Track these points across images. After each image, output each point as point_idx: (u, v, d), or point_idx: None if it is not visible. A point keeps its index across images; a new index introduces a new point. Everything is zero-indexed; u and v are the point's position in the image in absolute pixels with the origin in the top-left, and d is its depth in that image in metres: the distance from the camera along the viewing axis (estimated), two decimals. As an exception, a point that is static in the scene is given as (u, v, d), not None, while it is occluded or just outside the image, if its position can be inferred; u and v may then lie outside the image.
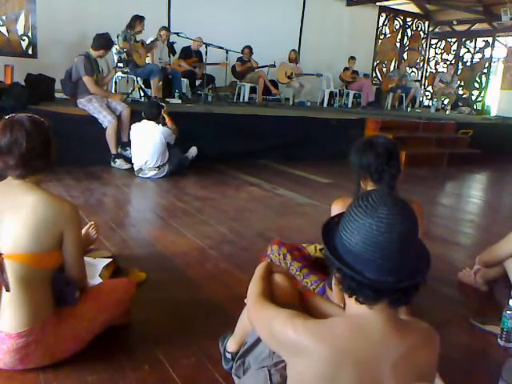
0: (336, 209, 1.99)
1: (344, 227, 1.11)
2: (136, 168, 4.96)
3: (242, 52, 8.23)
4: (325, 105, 9.40)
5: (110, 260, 2.45)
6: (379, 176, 2.00)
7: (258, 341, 1.53)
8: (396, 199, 1.11)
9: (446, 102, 11.54)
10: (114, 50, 6.07)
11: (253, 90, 8.42)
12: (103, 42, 5.21)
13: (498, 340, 2.15)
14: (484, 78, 12.60)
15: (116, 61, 5.99)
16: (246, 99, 8.28)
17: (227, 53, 7.42)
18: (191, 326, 2.09)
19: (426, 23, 13.09)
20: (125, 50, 6.15)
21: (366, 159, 2.02)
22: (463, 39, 13.14)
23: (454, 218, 4.72)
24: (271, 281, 1.57)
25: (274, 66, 8.39)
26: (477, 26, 13.02)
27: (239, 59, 8.31)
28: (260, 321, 1.32)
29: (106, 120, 5.10)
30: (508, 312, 2.12)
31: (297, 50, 9.47)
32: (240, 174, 5.43)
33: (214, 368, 1.78)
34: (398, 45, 12.41)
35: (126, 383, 1.67)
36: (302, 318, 1.16)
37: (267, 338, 1.26)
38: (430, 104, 11.69)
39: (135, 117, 5.17)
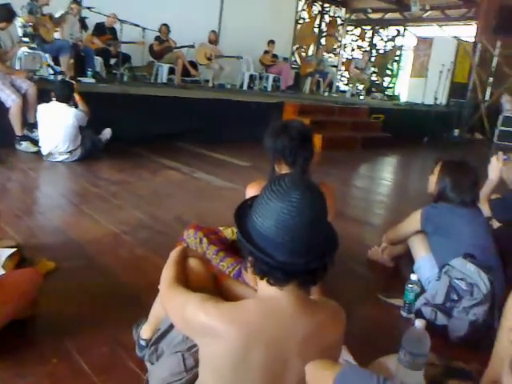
0: (251, 192, 2.00)
1: (256, 211, 1.12)
2: (44, 152, 4.66)
3: (159, 30, 7.98)
4: (245, 87, 9.41)
5: (14, 250, 2.29)
6: (293, 159, 2.04)
7: (171, 326, 1.51)
8: (307, 184, 1.14)
9: (360, 87, 12.02)
10: (18, 23, 5.62)
11: (171, 71, 8.23)
12: (4, 13, 4.81)
13: (402, 312, 2.31)
14: (395, 66, 13.26)
15: (21, 35, 5.56)
16: (165, 80, 8.07)
17: (144, 31, 7.16)
18: (104, 315, 2.02)
19: (343, 10, 13.49)
20: (30, 24, 5.72)
21: (280, 143, 2.05)
22: (377, 27, 13.71)
23: (367, 199, 4.96)
24: (185, 265, 1.55)
25: (193, 46, 8.24)
26: (389, 15, 13.66)
27: (157, 38, 8.05)
28: (172, 306, 1.30)
29: (10, 99, 4.73)
30: (410, 285, 2.28)
31: (217, 31, 9.36)
32: (158, 158, 5.30)
33: (128, 356, 1.74)
34: (316, 30, 12.68)
35: (35, 379, 1.59)
36: (213, 301, 1.16)
37: (179, 322, 1.26)
38: (346, 89, 12.12)
39: (43, 96, 4.84)
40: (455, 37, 11.39)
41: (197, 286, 1.39)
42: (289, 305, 1.14)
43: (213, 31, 8.97)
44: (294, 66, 11.51)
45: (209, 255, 2.31)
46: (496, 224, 3.03)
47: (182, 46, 8.16)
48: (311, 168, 2.14)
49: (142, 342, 1.72)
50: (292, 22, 11.73)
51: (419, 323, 1.62)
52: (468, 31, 12.14)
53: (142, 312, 1.82)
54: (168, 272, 1.45)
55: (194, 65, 8.62)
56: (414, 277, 2.29)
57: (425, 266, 2.43)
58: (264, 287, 1.15)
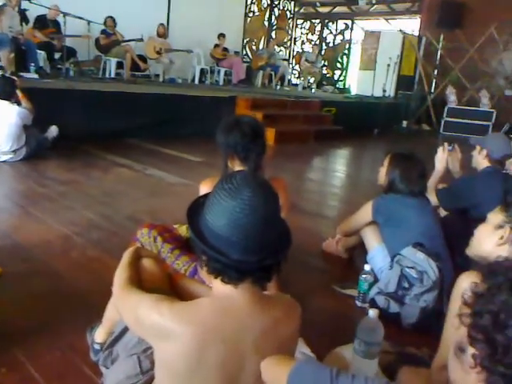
0: (204, 189, 1.98)
1: (209, 210, 1.12)
2: (-14, 152, 4.44)
3: (105, 23, 7.75)
4: (196, 82, 9.32)
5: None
6: (246, 155, 2.04)
7: (125, 329, 1.49)
8: (258, 181, 1.14)
9: (312, 80, 12.15)
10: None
11: (120, 65, 8.03)
12: None
13: (356, 302, 2.36)
14: (345, 59, 13.50)
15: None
16: (113, 75, 7.87)
17: (89, 24, 6.94)
18: (55, 320, 1.95)
19: (292, 3, 13.58)
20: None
21: (232, 139, 2.04)
22: (326, 21, 13.89)
23: (321, 191, 5.04)
24: (139, 266, 1.52)
25: (141, 40, 8.05)
26: (338, 9, 13.86)
27: (103, 32, 7.82)
28: (126, 308, 1.28)
29: None
30: (363, 276, 2.33)
31: (165, 24, 9.20)
32: (108, 155, 5.16)
33: (82, 361, 1.70)
34: (266, 23, 12.70)
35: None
36: (168, 301, 1.15)
37: (133, 324, 1.24)
38: (298, 82, 12.23)
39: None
40: (401, 30, 11.71)
41: (151, 287, 1.37)
42: (244, 302, 1.14)
43: (161, 24, 8.81)
44: (245, 59, 11.50)
45: (163, 254, 2.27)
46: (443, 213, 3.15)
47: (129, 40, 7.96)
48: (264, 162, 2.14)
49: (97, 346, 1.68)
50: (242, 16, 11.70)
51: (372, 313, 1.66)
52: (413, 25, 12.52)
53: (95, 315, 1.77)
54: (121, 273, 1.42)
55: (143, 59, 8.45)
56: (367, 267, 2.35)
57: (377, 256, 2.49)
58: (218, 286, 1.15)
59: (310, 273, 2.76)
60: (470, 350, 0.83)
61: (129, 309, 1.24)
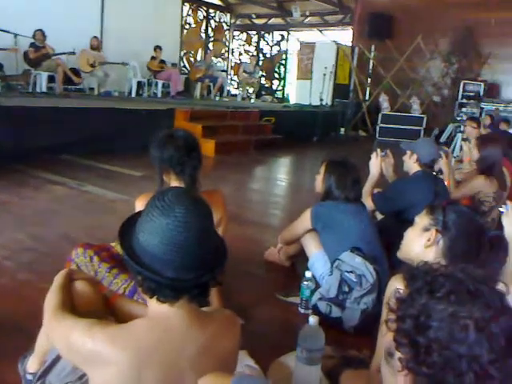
0: (140, 206, 1.94)
1: (141, 228, 1.10)
2: None
3: (34, 36, 7.46)
4: (133, 95, 9.14)
5: None
6: (181, 169, 2.02)
7: (58, 357, 1.42)
8: (191, 197, 1.14)
9: (250, 90, 12.27)
10: None
11: (51, 79, 7.73)
12: None
13: (299, 309, 2.38)
14: (282, 69, 13.75)
15: None
16: (44, 89, 7.55)
17: (16, 37, 6.65)
18: (-17, 351, 1.83)
19: (228, 15, 13.70)
20: None
21: (166, 153, 2.02)
22: (262, 32, 14.11)
23: (263, 200, 5.07)
24: (71, 289, 1.46)
25: (73, 53, 7.81)
26: (273, 21, 14.13)
27: (32, 45, 7.50)
28: (58, 335, 1.23)
29: None
30: (305, 282, 2.36)
31: (99, 36, 8.99)
32: (41, 173, 4.92)
33: (12, 394, 1.59)
34: (203, 35, 12.73)
35: None
36: (101, 325, 1.12)
37: (66, 352, 1.19)
38: (237, 93, 12.31)
39: None
40: (334, 41, 12.10)
41: (85, 311, 1.33)
42: (180, 321, 1.12)
43: (94, 37, 8.60)
44: (183, 71, 11.44)
45: (101, 274, 2.19)
46: (380, 216, 3.26)
47: (61, 53, 7.69)
48: (205, 174, 2.13)
49: (29, 376, 1.58)
50: (178, 27, 11.64)
51: (312, 320, 1.69)
52: (346, 36, 12.97)
53: (27, 343, 1.67)
54: (52, 298, 1.36)
55: (76, 72, 8.19)
56: (308, 274, 2.38)
57: (318, 262, 2.53)
58: (154, 305, 1.13)
59: (253, 282, 2.76)
60: (397, 354, 0.86)
61: (60, 336, 1.20)
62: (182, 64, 11.90)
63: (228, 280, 2.49)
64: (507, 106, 9.34)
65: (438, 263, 0.99)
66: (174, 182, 2.06)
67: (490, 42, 10.31)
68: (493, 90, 10.63)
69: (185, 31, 12.04)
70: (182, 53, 12.00)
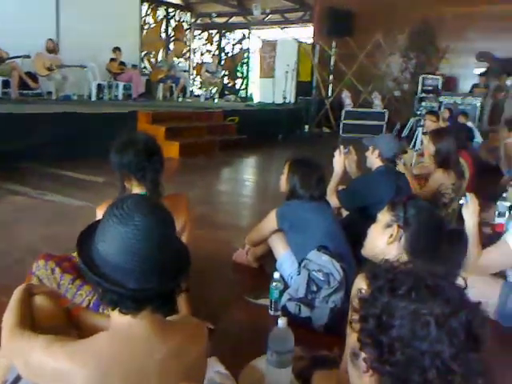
0: (101, 214, 1.88)
1: (100, 237, 1.07)
2: None
3: (-16, 41, 7.22)
4: (93, 98, 8.94)
5: None
6: (142, 174, 1.98)
7: (19, 377, 1.36)
8: (151, 204, 1.12)
9: (214, 90, 12.22)
10: None
11: (6, 84, 7.48)
12: None
13: (269, 310, 2.38)
14: (245, 68, 13.74)
15: None
16: (-2, 94, 7.32)
17: (-35, 42, 6.40)
18: None
19: (188, 14, 13.58)
20: None
21: (126, 158, 1.97)
22: (223, 31, 14.07)
23: (231, 202, 5.04)
24: (31, 304, 1.41)
25: (28, 56, 7.58)
26: (234, 19, 14.11)
27: (-16, 49, 7.26)
28: (16, 354, 1.19)
29: None
30: (274, 284, 2.35)
31: (55, 39, 8.75)
32: (-1, 182, 4.77)
33: (-27, 418, 1.52)
34: (163, 35, 12.58)
35: None
36: (61, 342, 1.09)
37: (26, 370, 1.15)
38: (200, 93, 12.23)
39: None
40: (296, 39, 12.18)
41: (46, 326, 1.29)
42: (144, 332, 1.10)
43: (50, 39, 8.36)
44: (144, 72, 11.27)
45: (64, 286, 2.13)
46: (345, 213, 3.29)
47: (15, 57, 7.46)
48: (170, 177, 2.09)
49: (-10, 398, 1.52)
50: (137, 28, 11.44)
51: (281, 322, 1.68)
52: (307, 33, 13.08)
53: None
54: (9, 315, 1.31)
55: (32, 76, 7.95)
56: (276, 275, 2.37)
57: (286, 262, 2.53)
58: (116, 317, 1.10)
59: (222, 285, 2.74)
60: (362, 355, 0.86)
61: (19, 354, 1.16)
62: (142, 65, 11.73)
63: (197, 284, 2.47)
64: (465, 98, 9.61)
65: (398, 261, 1.00)
66: (136, 188, 2.02)
67: (447, 37, 10.59)
68: (451, 84, 10.93)
69: (144, 31, 11.86)
70: (143, 54, 11.83)
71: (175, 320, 1.28)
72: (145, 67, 11.85)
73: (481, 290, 2.31)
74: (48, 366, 1.04)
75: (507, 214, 3.15)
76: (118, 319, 1.09)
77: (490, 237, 2.93)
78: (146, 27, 11.97)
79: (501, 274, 2.46)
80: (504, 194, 3.03)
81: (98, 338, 1.10)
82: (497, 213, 3.28)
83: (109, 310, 1.12)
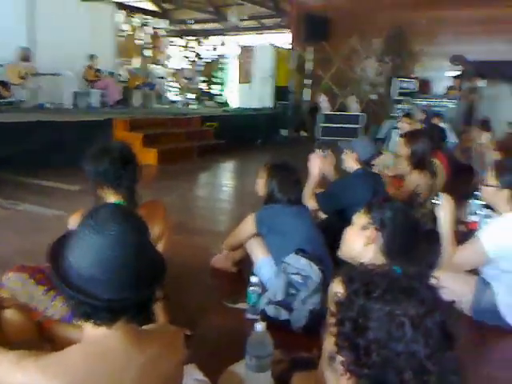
0: (73, 224, 1.86)
1: (74, 248, 1.05)
2: None
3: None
4: (69, 106, 8.82)
5: None
6: (118, 182, 1.96)
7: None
8: (125, 213, 1.10)
9: (191, 96, 12.19)
10: None
11: (-22, 94, 7.34)
12: None
13: (247, 315, 2.37)
14: (223, 74, 13.75)
15: None
16: (-29, 104, 7.17)
17: None
18: None
19: (165, 21, 13.54)
20: None
21: (101, 167, 1.95)
22: (200, 37, 14.06)
23: (209, 207, 5.02)
24: (1, 318, 1.37)
25: (0, 65, 7.45)
26: (210, 26, 14.11)
27: (-45, 58, 7.12)
28: None
29: None
30: (251, 288, 2.35)
31: (28, 47, 8.60)
32: (-32, 194, 4.64)
33: None
34: (139, 42, 12.50)
35: None
36: (32, 356, 1.05)
37: None
38: (177, 99, 12.19)
39: None
40: (272, 44, 12.23)
41: (17, 341, 1.26)
42: (118, 343, 1.07)
43: (23, 48, 8.23)
44: (120, 79, 11.17)
45: (37, 297, 2.09)
46: (323, 216, 3.30)
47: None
48: (148, 184, 2.08)
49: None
50: (112, 35, 11.31)
51: (259, 326, 1.68)
52: (284, 38, 13.15)
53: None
54: (-23, 330, 1.27)
55: (5, 85, 7.81)
56: (254, 279, 2.37)
57: (264, 266, 2.53)
58: (90, 329, 1.08)
59: (200, 291, 2.72)
60: (339, 358, 0.86)
61: None
62: (119, 72, 11.62)
63: (174, 290, 2.45)
64: (438, 101, 9.77)
65: (374, 264, 1.00)
66: (111, 197, 1.99)
67: (421, 41, 10.78)
68: (425, 87, 11.11)
69: (120, 39, 11.76)
70: (119, 61, 11.72)
71: (151, 329, 1.26)
72: (121, 74, 11.75)
73: (456, 287, 2.35)
74: (18, 382, 1.01)
75: (480, 212, 3.21)
76: (91, 331, 1.07)
77: (464, 235, 2.98)
78: (122, 35, 11.87)
79: (475, 271, 2.50)
80: (477, 193, 3.08)
81: (71, 350, 1.07)
82: (470, 211, 3.34)
83: (82, 321, 1.09)
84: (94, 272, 1.01)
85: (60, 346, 1.21)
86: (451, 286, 2.24)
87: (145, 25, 12.63)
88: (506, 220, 2.34)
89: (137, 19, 12.50)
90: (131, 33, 12.20)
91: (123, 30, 11.94)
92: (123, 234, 1.03)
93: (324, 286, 2.24)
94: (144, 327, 1.21)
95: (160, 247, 2.12)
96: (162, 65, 13.38)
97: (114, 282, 1.02)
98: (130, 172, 2.00)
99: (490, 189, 2.40)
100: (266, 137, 9.72)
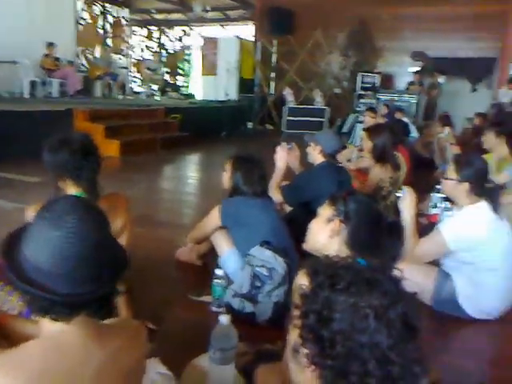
0: (30, 216, 1.79)
1: (29, 241, 1.00)
2: None
3: None
4: (26, 95, 8.51)
5: None
6: (78, 173, 1.90)
7: None
8: (84, 205, 1.06)
9: (155, 88, 11.98)
10: None
11: None
12: None
13: (212, 307, 2.35)
14: (187, 65, 13.58)
15: None
16: None
17: None
18: None
19: (126, 10, 13.23)
20: None
21: (60, 158, 1.90)
22: (163, 27, 13.83)
23: (174, 200, 4.96)
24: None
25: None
26: (174, 16, 13.90)
27: None
28: None
29: None
30: (216, 280, 2.34)
31: (-18, 34, 8.23)
32: None
33: None
34: (100, 31, 12.18)
35: None
36: None
37: None
38: (141, 91, 11.97)
39: None
40: (237, 36, 12.16)
41: (-30, 338, 1.19)
42: (77, 339, 1.04)
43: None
44: (81, 69, 10.86)
45: (-8, 293, 2.01)
46: (288, 208, 3.32)
47: None
48: (110, 176, 2.03)
49: None
50: (72, 23, 10.95)
51: (223, 319, 1.66)
52: (248, 30, 13.10)
53: None
54: None
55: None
56: (219, 272, 2.36)
57: (229, 259, 2.51)
58: (47, 324, 1.04)
59: (164, 284, 2.69)
60: (303, 351, 0.86)
61: None
62: (79, 61, 11.29)
63: (138, 284, 2.41)
64: (401, 95, 9.98)
65: (338, 256, 1.01)
66: (71, 189, 1.93)
67: (384, 36, 10.97)
68: (388, 81, 11.33)
69: (80, 27, 11.41)
70: (79, 50, 11.38)
71: (113, 324, 1.22)
72: (82, 64, 11.42)
73: (417, 279, 2.41)
74: None
75: (441, 205, 3.30)
76: (49, 326, 1.03)
77: (425, 227, 3.05)
78: (82, 23, 11.52)
79: (436, 263, 2.56)
80: (438, 187, 3.16)
81: (27, 346, 1.03)
82: (431, 204, 3.43)
83: (39, 317, 1.05)
84: (51, 266, 0.97)
85: (17, 342, 1.16)
86: (413, 277, 2.30)
87: (106, 13, 12.29)
88: (465, 213, 2.41)
89: (97, 7, 12.15)
90: (91, 21, 11.84)
91: (83, 18, 11.59)
92: (82, 227, 1.00)
93: (289, 278, 2.25)
94: (105, 322, 1.18)
95: (122, 240, 2.07)
96: (125, 55, 13.09)
97: (72, 276, 0.98)
98: (91, 163, 1.95)
99: (450, 182, 2.46)
100: (231, 129, 9.68)
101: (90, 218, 1.03)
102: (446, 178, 2.49)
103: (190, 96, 12.65)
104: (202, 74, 12.51)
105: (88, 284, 1.01)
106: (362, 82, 10.90)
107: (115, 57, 12.08)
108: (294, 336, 0.90)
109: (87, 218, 1.02)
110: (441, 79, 9.93)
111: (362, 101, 10.14)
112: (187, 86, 13.74)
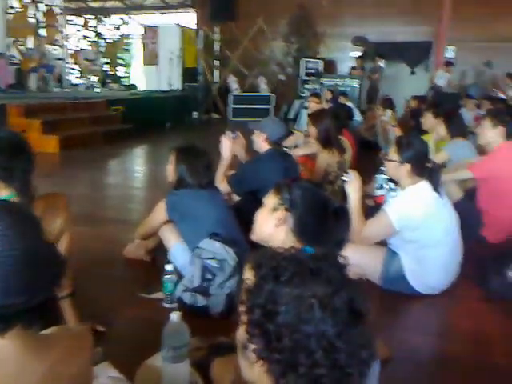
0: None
1: None
2: None
3: None
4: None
5: None
6: (8, 174, 1.78)
7: None
8: (14, 210, 0.99)
9: (94, 79, 11.57)
10: None
11: None
12: None
13: (164, 304, 2.30)
14: (127, 55, 13.19)
15: None
16: None
17: None
18: None
19: (59, -2, 12.63)
20: None
21: (-14, 158, 1.76)
22: (100, 16, 13.34)
23: (120, 195, 4.81)
24: None
25: None
26: (111, 3, 13.42)
27: None
28: None
29: None
30: (166, 276, 2.28)
31: None
32: None
33: None
34: (32, 20, 11.55)
35: None
36: None
37: None
38: (79, 82, 11.52)
39: None
40: (178, 24, 11.92)
41: None
42: (15, 353, 0.97)
43: None
44: (13, 61, 10.28)
45: None
46: (236, 198, 3.29)
47: None
48: (49, 173, 1.91)
49: None
50: (0, 12, 10.35)
51: (174, 316, 1.63)
52: (190, 18, 12.86)
53: None
54: None
55: None
56: (168, 267, 2.30)
57: (178, 253, 2.46)
58: None
59: (113, 284, 2.60)
60: (251, 346, 0.84)
61: None
62: (10, 53, 10.68)
63: (86, 286, 2.31)
64: (344, 80, 10.15)
65: (282, 247, 0.99)
66: (2, 191, 1.81)
67: (324, 22, 11.07)
68: (331, 67, 11.49)
69: (9, 16, 10.77)
70: (10, 41, 10.76)
71: (52, 333, 1.16)
72: (13, 56, 10.82)
73: (364, 261, 2.46)
74: None
75: (386, 186, 3.38)
76: None
77: (372, 208, 3.11)
78: (11, 12, 10.88)
79: (384, 243, 2.63)
80: (382, 168, 3.23)
81: None
82: (377, 185, 3.51)
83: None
84: None
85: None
86: (360, 260, 2.36)
87: (37, 1, 11.65)
88: (408, 193, 2.47)
89: (28, -5, 11.51)
90: (21, 10, 11.20)
91: (13, 7, 10.94)
92: (11, 234, 0.93)
93: (240, 268, 2.23)
94: (45, 331, 1.11)
95: (62, 243, 1.98)
96: (60, 45, 12.51)
97: (2, 286, 0.92)
98: (23, 162, 1.82)
99: (392, 163, 2.51)
100: (175, 120, 9.51)
101: (20, 224, 0.96)
102: (389, 160, 2.54)
103: (132, 87, 12.31)
104: (144, 64, 12.21)
105: (19, 294, 0.94)
106: (306, 68, 10.98)
107: (50, 48, 11.52)
108: (241, 332, 0.88)
109: (16, 224, 0.95)
110: (382, 63, 10.17)
111: (306, 86, 10.23)
112: (128, 77, 13.35)
